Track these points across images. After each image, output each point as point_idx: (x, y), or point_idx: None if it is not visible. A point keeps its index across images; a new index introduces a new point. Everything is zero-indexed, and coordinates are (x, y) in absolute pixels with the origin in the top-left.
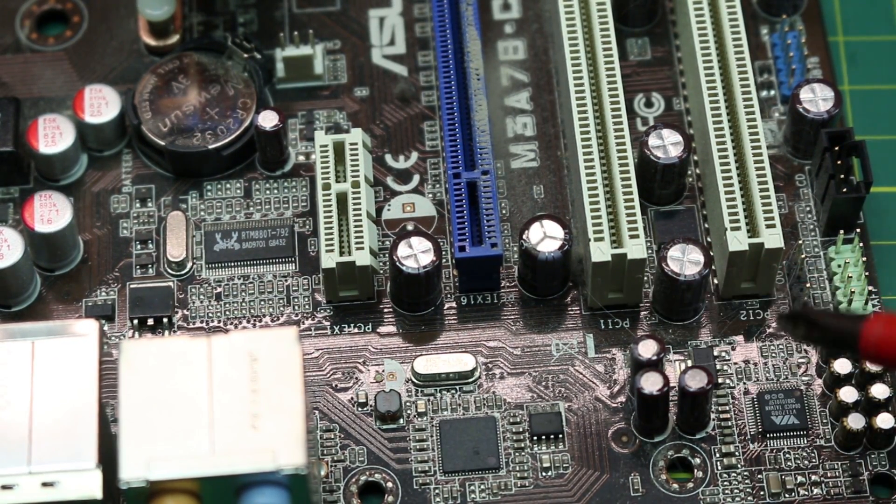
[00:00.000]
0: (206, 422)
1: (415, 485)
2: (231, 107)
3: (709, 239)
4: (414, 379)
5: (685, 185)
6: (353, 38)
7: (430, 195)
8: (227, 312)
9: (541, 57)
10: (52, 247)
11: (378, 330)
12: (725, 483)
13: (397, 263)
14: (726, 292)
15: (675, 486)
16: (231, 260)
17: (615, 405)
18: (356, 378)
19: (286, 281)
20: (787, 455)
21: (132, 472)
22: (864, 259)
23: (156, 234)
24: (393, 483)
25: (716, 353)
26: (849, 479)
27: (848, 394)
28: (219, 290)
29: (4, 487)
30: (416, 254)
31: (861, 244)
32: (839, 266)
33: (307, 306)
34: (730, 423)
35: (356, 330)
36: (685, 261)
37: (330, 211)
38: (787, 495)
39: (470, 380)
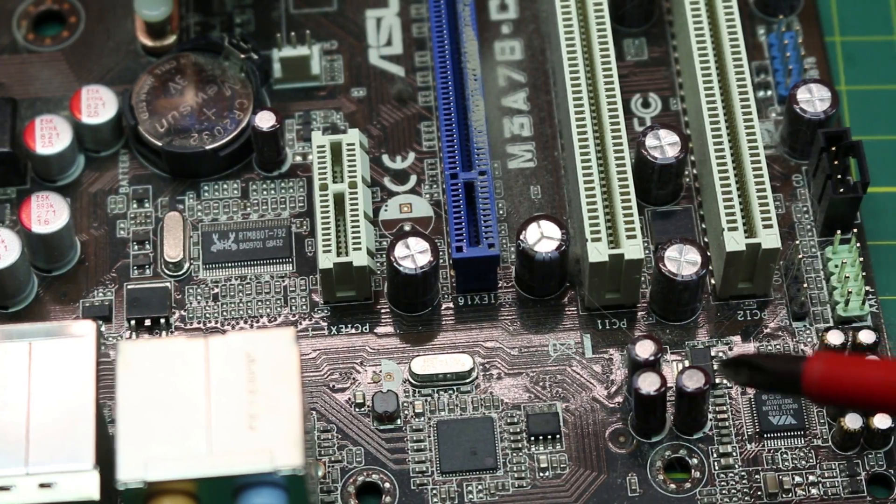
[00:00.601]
0: (204, 422)
1: (412, 485)
2: (228, 107)
3: (706, 239)
4: (411, 379)
5: (682, 186)
6: (350, 39)
7: (427, 196)
8: (225, 313)
9: (538, 57)
10: (48, 247)
11: (375, 330)
12: (723, 483)
13: (394, 264)
14: (723, 292)
15: (673, 486)
16: (228, 260)
17: (612, 405)
18: (353, 378)
19: (283, 281)
20: (785, 455)
21: (129, 472)
22: (862, 259)
23: (153, 235)
24: (390, 483)
25: (713, 354)
26: (846, 480)
27: None
28: (216, 290)
29: (2, 488)
30: (414, 254)
31: (858, 244)
32: (836, 266)
33: (304, 307)
34: (727, 424)
35: (353, 330)
36: (682, 261)
37: (327, 211)
38: (784, 495)
39: (467, 380)
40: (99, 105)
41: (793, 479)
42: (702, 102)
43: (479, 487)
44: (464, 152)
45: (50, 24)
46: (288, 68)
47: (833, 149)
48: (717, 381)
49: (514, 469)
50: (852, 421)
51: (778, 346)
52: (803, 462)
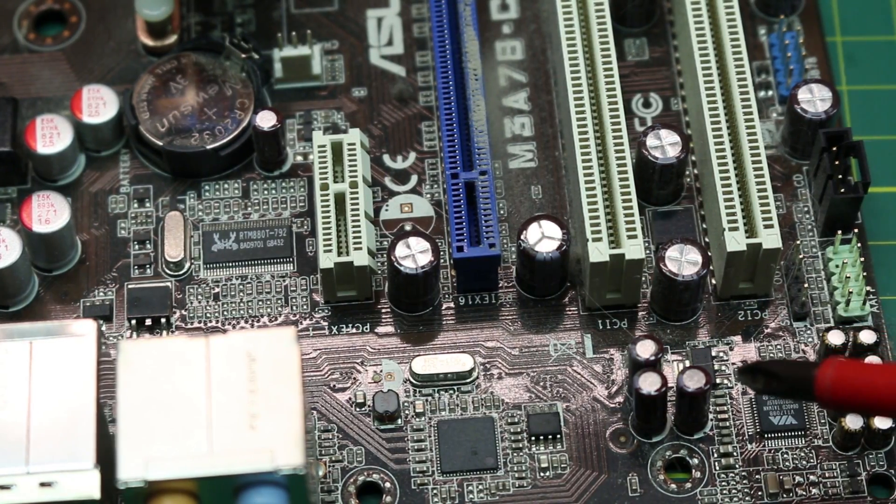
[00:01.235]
0: (205, 422)
1: (413, 485)
2: (229, 107)
3: (707, 239)
4: (412, 379)
5: (683, 186)
6: (351, 39)
7: (428, 195)
8: (225, 313)
9: (539, 57)
10: (49, 247)
11: (376, 330)
12: (723, 483)
13: (395, 264)
14: (724, 292)
15: (674, 486)
16: (229, 260)
17: (613, 405)
18: (354, 378)
19: (284, 281)
20: (785, 455)
21: (130, 472)
22: (862, 259)
23: (154, 235)
24: (391, 483)
25: (714, 354)
26: (847, 480)
27: None
28: (217, 290)
29: (2, 487)
30: (415, 254)
31: (859, 245)
32: (837, 266)
33: (305, 306)
34: (728, 424)
35: (354, 330)
36: (683, 261)
37: (328, 211)
38: (784, 495)
39: (468, 380)
40: (100, 105)
41: (793, 479)
42: (703, 102)
43: (480, 487)
44: (465, 152)
45: (51, 23)
46: (289, 68)
47: (834, 149)
48: (718, 381)
49: (515, 469)
50: (853, 421)
51: (779, 347)
52: (804, 462)
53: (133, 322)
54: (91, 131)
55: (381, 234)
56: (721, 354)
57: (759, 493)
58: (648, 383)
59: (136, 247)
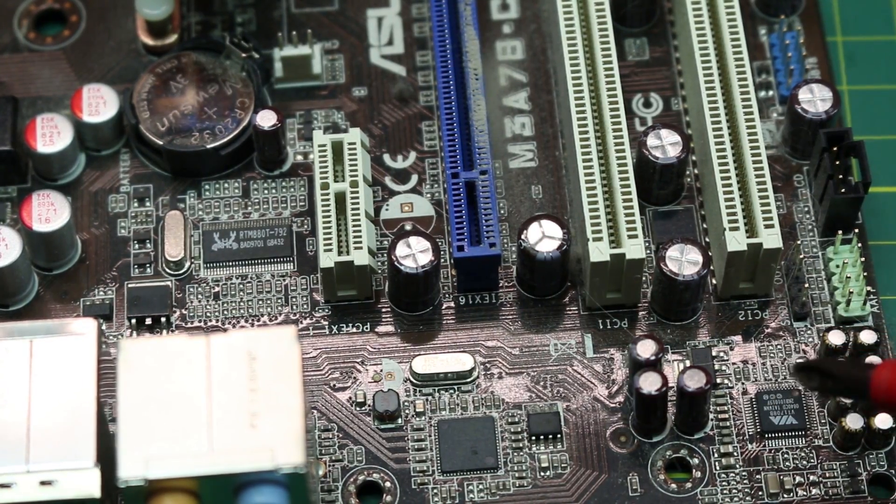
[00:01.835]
0: (205, 420)
1: (413, 484)
2: (229, 106)
3: (707, 239)
4: (412, 379)
5: (684, 185)
6: (352, 38)
7: (429, 195)
8: (226, 312)
9: (539, 57)
10: (49, 246)
11: (376, 329)
12: (724, 483)
13: (396, 263)
14: (725, 292)
15: (674, 486)
16: (229, 259)
17: (613, 405)
18: (354, 378)
19: (284, 280)
20: (786, 455)
21: (131, 470)
22: (863, 259)
23: (154, 234)
24: (391, 483)
25: (714, 354)
26: (847, 480)
27: None
28: (217, 289)
29: (3, 486)
30: (415, 253)
31: (859, 245)
32: (837, 267)
33: (305, 306)
34: (728, 424)
35: (354, 329)
36: (684, 261)
37: (328, 211)
38: (785, 495)
39: (468, 379)
40: (100, 104)
41: (794, 479)
42: (703, 102)
43: (480, 487)
44: (465, 152)
45: (51, 23)
46: (289, 67)
47: (834, 149)
48: (718, 380)
49: (515, 469)
50: (853, 421)
51: (779, 346)
52: (804, 462)
53: (133, 321)
54: (91, 130)
55: (381, 234)
56: (721, 354)
57: (760, 493)
58: (649, 383)
59: (136, 246)
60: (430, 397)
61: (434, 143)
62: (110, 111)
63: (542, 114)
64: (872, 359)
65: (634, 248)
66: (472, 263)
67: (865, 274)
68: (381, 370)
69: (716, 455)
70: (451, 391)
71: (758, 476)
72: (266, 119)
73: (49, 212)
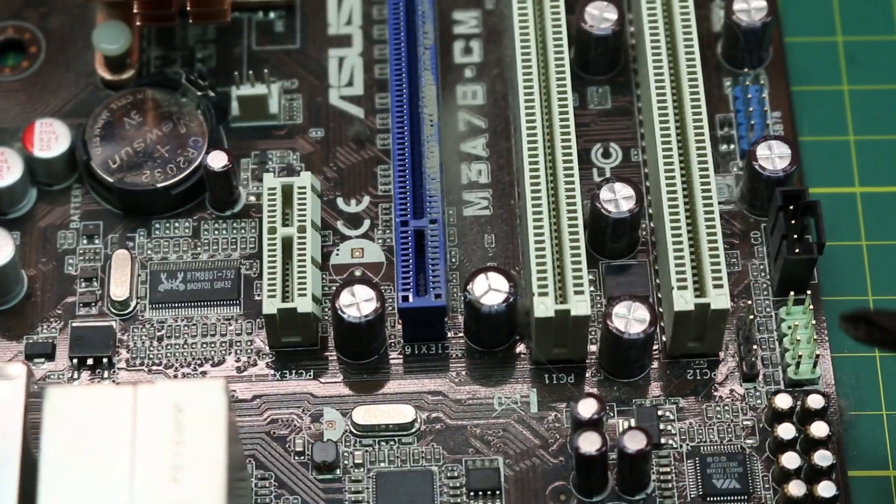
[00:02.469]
0: (128, 473)
1: None
2: (182, 145)
3: (659, 295)
4: (352, 429)
5: (638, 239)
6: (311, 78)
7: (380, 241)
8: (169, 354)
9: (500, 103)
10: None
11: (320, 377)
12: None
13: (339, 312)
14: (673, 350)
15: None
16: (175, 301)
17: (555, 462)
18: (294, 426)
19: (230, 325)
20: None
21: None
22: (814, 322)
23: (101, 272)
24: None
25: (660, 413)
26: None
27: (790, 460)
28: (161, 331)
29: None
30: (359, 302)
31: (812, 306)
32: (789, 328)
33: (250, 351)
34: (670, 486)
35: (297, 377)
36: (630, 318)
37: (274, 256)
38: None
39: (409, 431)
40: (52, 139)
41: None
42: (658, 155)
43: None
44: (416, 199)
45: (10, 52)
46: (245, 107)
47: (791, 207)
48: (662, 441)
49: None
50: (796, 488)
51: (727, 408)
52: None
53: (75, 361)
54: (42, 165)
55: (330, 279)
56: (667, 414)
57: None
58: (588, 443)
59: (83, 284)
60: (369, 449)
61: (388, 188)
62: (62, 146)
63: (499, 161)
64: None
65: (580, 305)
66: (417, 314)
67: (816, 337)
68: (322, 419)
69: None
70: (392, 443)
71: None
72: (217, 160)
73: None
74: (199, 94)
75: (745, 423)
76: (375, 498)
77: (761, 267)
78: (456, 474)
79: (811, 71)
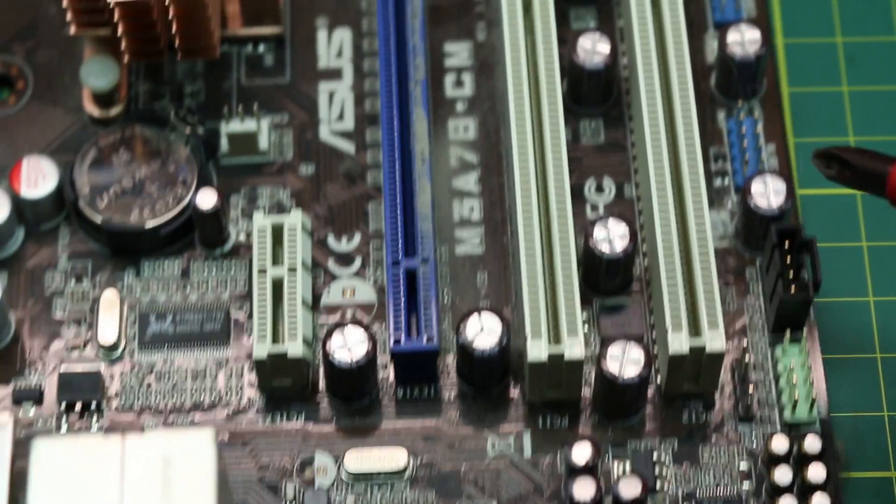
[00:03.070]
0: None
1: None
2: (171, 183)
3: (655, 334)
4: (344, 476)
5: (633, 276)
6: (301, 113)
7: (372, 280)
8: (158, 397)
9: (492, 137)
10: None
11: (311, 421)
12: None
13: (329, 356)
14: (669, 391)
15: None
16: (164, 343)
17: None
18: (286, 471)
19: (220, 367)
20: None
21: None
22: (811, 363)
23: (89, 314)
24: None
25: (655, 457)
26: None
27: None
28: (150, 375)
29: None
30: (349, 346)
31: (808, 347)
32: (785, 368)
33: (240, 394)
34: None
35: (289, 420)
36: (625, 360)
37: (264, 298)
38: None
39: (402, 476)
40: (39, 177)
41: None
42: (652, 192)
43: None
44: (408, 238)
45: None
46: (235, 143)
47: (787, 245)
48: (658, 486)
49: None
50: None
51: (722, 450)
52: None
53: (63, 405)
54: (30, 205)
55: (320, 320)
56: (663, 457)
57: None
58: (583, 489)
59: (71, 327)
60: (361, 496)
61: (380, 226)
62: (49, 185)
63: (491, 197)
64: None
65: (574, 348)
66: (409, 357)
67: (812, 378)
68: (314, 465)
69: None
70: (384, 488)
71: None
72: (206, 200)
73: None
74: (187, 131)
75: (741, 467)
76: None
77: (757, 305)
78: None
79: (810, 72)
